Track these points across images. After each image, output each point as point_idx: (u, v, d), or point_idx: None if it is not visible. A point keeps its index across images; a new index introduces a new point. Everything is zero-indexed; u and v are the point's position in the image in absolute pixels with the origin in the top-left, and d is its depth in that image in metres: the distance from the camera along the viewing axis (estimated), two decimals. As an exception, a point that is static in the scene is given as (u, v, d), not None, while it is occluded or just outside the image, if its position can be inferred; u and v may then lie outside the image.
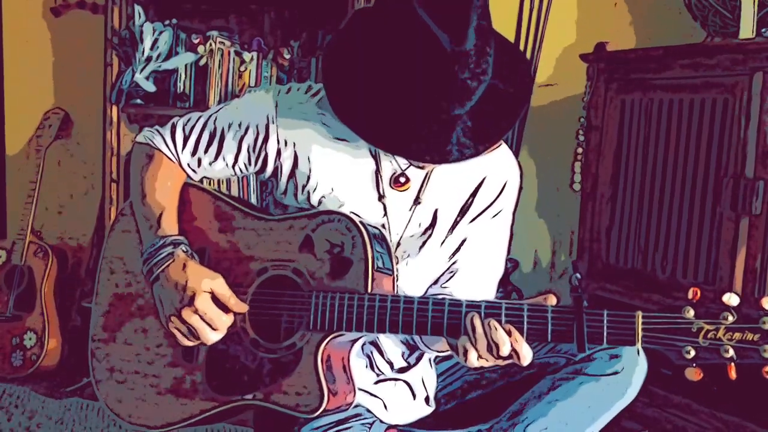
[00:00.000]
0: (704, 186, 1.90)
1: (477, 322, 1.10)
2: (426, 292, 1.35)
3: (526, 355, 1.09)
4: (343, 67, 1.21)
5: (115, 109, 2.64)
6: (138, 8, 2.63)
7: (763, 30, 1.90)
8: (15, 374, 2.61)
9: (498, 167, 1.33)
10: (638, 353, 1.27)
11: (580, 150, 2.25)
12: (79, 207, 3.10)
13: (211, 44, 2.57)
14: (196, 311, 1.19)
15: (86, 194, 3.09)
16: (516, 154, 2.40)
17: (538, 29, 2.36)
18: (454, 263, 1.34)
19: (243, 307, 1.23)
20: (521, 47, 2.38)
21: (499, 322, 1.10)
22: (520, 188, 1.36)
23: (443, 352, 1.30)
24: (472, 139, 1.15)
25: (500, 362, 1.11)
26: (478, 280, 1.34)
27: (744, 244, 1.80)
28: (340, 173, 1.30)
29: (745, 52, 1.80)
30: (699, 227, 1.92)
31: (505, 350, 1.08)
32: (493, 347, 1.09)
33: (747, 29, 1.91)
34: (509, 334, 1.08)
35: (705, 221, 1.90)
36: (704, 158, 1.90)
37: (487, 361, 1.11)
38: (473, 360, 1.11)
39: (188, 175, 1.38)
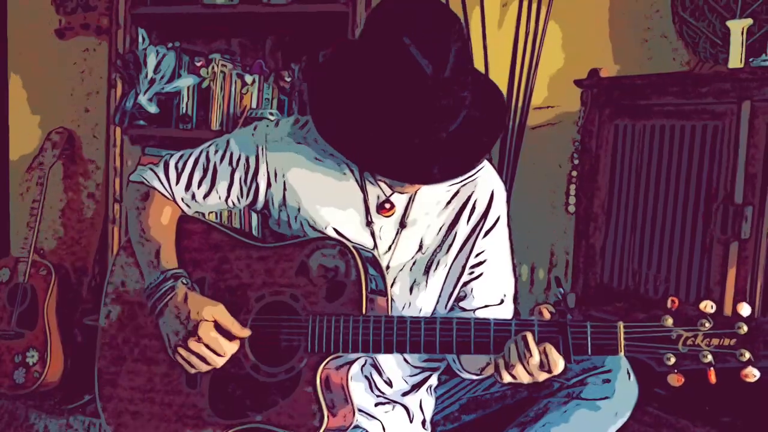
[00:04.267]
0: (695, 210, 1.93)
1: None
2: (433, 313, 1.38)
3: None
4: (329, 94, 1.26)
5: (118, 130, 2.68)
6: (142, 31, 2.68)
7: (751, 59, 1.94)
8: (18, 391, 2.63)
9: (482, 181, 1.38)
10: (629, 377, 1.31)
11: (574, 173, 2.29)
12: (81, 226, 3.13)
13: (213, 67, 2.61)
14: (200, 340, 1.23)
15: (89, 213, 3.12)
16: (512, 175, 2.44)
17: (533, 54, 2.41)
18: (465, 284, 1.38)
19: (245, 332, 1.27)
20: (517, 71, 2.42)
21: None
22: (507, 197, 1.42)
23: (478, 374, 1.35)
24: (452, 162, 1.21)
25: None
26: (494, 295, 1.37)
27: (734, 267, 1.83)
28: (329, 201, 1.35)
29: (733, 81, 1.84)
30: (690, 249, 1.95)
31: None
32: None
33: (736, 58, 1.95)
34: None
35: (696, 244, 1.93)
36: (695, 183, 1.93)
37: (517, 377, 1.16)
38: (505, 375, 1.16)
39: (183, 210, 1.43)
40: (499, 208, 1.38)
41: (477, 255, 1.36)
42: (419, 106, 1.16)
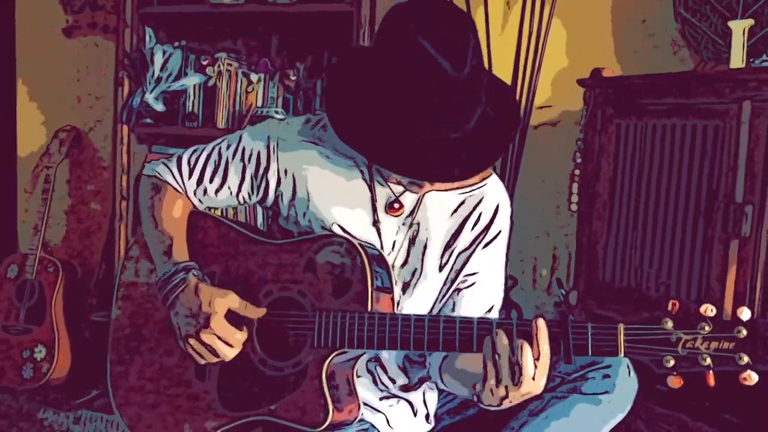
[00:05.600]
0: (696, 208, 1.94)
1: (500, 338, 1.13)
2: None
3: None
4: (347, 97, 1.28)
5: (125, 128, 2.71)
6: (149, 30, 2.71)
7: (752, 60, 1.95)
8: (26, 386, 2.67)
9: (489, 193, 1.40)
10: (629, 373, 1.32)
11: (577, 171, 2.31)
12: (88, 223, 3.16)
13: (219, 65, 2.64)
14: (211, 331, 1.25)
15: (96, 211, 3.15)
16: (515, 174, 2.46)
17: (536, 53, 2.42)
18: (456, 291, 1.39)
19: (260, 312, 1.29)
20: (521, 70, 2.44)
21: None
22: (512, 212, 1.43)
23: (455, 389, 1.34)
24: (469, 160, 1.23)
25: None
26: (482, 305, 1.39)
27: (734, 265, 1.84)
28: (337, 200, 1.36)
29: (734, 81, 1.85)
30: (691, 248, 1.96)
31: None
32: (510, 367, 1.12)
33: (737, 59, 1.96)
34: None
35: (697, 242, 1.95)
36: (696, 182, 1.94)
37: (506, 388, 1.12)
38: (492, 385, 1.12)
39: (194, 205, 1.45)
40: (502, 223, 1.40)
41: (473, 265, 1.38)
42: (441, 106, 1.17)
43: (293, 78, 2.61)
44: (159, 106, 2.67)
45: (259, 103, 2.62)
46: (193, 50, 2.72)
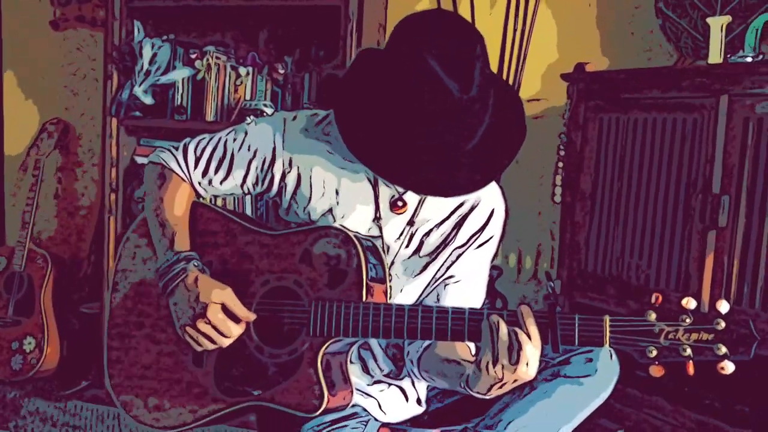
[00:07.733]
0: (675, 199, 2.00)
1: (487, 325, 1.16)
2: None
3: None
4: (354, 106, 1.31)
5: (114, 121, 2.70)
6: (137, 23, 2.71)
7: (729, 56, 2.01)
8: (15, 378, 2.67)
9: (486, 197, 1.42)
10: (611, 357, 1.36)
11: (560, 164, 2.36)
12: (77, 215, 3.17)
13: (207, 59, 2.64)
14: (208, 322, 1.28)
15: (85, 203, 3.15)
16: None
17: (521, 48, 2.46)
18: (442, 284, 1.42)
19: (250, 316, 1.32)
20: (506, 65, 2.48)
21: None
22: (506, 218, 1.45)
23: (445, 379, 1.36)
24: (473, 174, 1.27)
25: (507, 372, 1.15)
26: (465, 302, 1.40)
27: (711, 254, 1.90)
28: (340, 196, 1.39)
29: (712, 76, 1.90)
30: (671, 238, 2.02)
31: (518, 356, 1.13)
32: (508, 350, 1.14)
33: (715, 54, 2.01)
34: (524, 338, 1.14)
35: (676, 232, 2.00)
36: (676, 174, 2.00)
37: (502, 369, 1.14)
38: (490, 368, 1.15)
39: (198, 194, 1.47)
40: (494, 228, 1.43)
41: (463, 262, 1.42)
42: (445, 125, 1.21)
43: (282, 71, 2.62)
44: (148, 99, 2.68)
45: (248, 97, 2.63)
46: (181, 44, 2.73)
